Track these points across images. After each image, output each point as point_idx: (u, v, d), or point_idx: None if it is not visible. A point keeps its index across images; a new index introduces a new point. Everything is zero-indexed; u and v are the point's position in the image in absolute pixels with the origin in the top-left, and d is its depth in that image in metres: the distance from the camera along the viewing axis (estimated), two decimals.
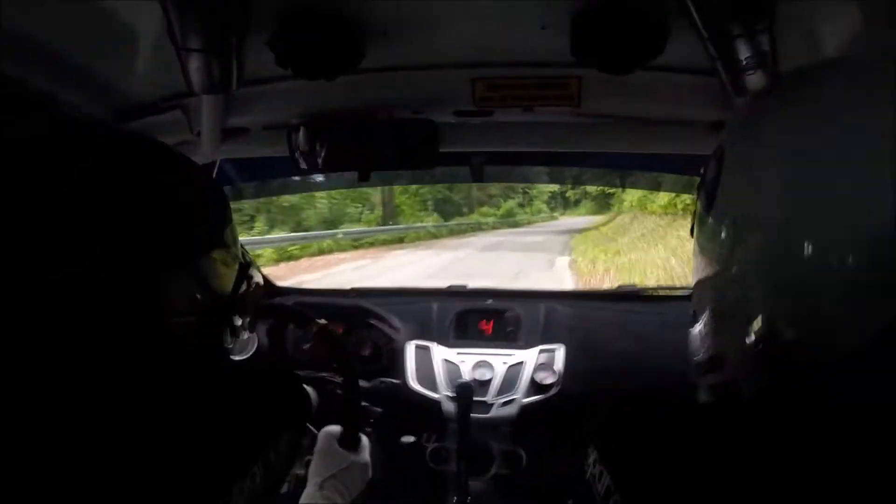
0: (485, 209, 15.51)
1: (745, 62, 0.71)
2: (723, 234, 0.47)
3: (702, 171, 0.54)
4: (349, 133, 1.04)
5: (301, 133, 1.03)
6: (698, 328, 0.53)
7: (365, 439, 0.85)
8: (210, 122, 1.00)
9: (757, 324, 0.43)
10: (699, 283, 0.53)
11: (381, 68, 0.92)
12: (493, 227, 14.09)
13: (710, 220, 0.49)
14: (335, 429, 0.84)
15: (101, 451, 0.39)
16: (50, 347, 0.40)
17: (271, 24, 0.75)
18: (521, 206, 16.55)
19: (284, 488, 0.58)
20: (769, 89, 0.50)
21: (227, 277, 0.53)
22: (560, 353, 1.32)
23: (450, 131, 1.06)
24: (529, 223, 15.35)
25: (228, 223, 0.53)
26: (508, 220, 15.06)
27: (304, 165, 1.05)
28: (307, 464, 0.82)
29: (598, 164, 1.41)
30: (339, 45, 0.78)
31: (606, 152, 1.25)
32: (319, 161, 1.04)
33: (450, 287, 1.68)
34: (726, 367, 0.48)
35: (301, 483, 0.79)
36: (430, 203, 13.49)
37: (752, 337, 0.44)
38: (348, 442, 0.82)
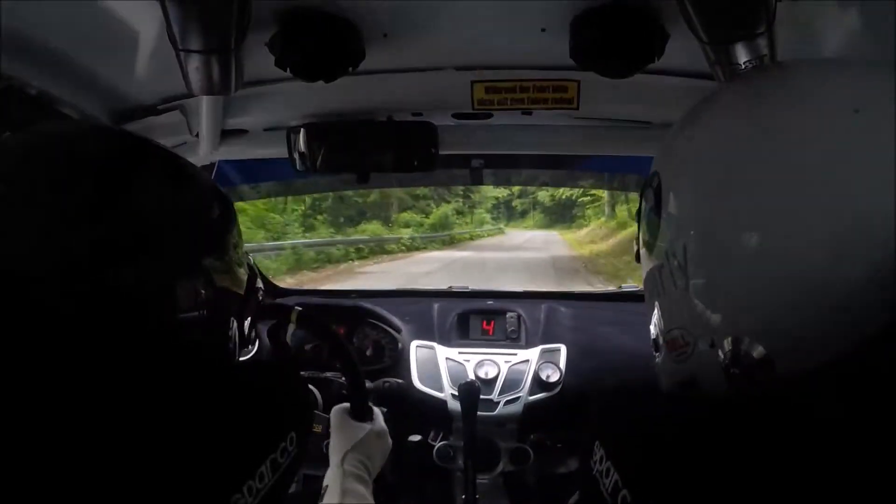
0: (407, 214, 10.81)
1: (744, 66, 0.71)
2: (672, 239, 0.46)
3: (649, 176, 0.53)
4: (348, 135, 1.04)
5: (300, 134, 1.03)
6: (653, 332, 0.53)
7: (377, 409, 0.84)
8: (209, 123, 1.00)
9: (718, 330, 0.43)
10: (650, 291, 0.52)
11: (381, 70, 0.92)
12: (416, 248, 8.88)
13: (661, 223, 0.49)
14: (345, 405, 0.83)
15: (110, 452, 0.40)
16: (52, 351, 0.40)
17: (271, 26, 0.75)
18: (460, 213, 12.56)
19: (293, 488, 0.58)
20: (710, 94, 0.50)
21: (232, 280, 0.53)
22: (562, 352, 1.33)
23: (448, 133, 1.06)
24: (473, 238, 11.15)
25: (233, 226, 0.53)
26: (442, 235, 10.47)
27: (303, 167, 1.05)
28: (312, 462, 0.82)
29: (595, 167, 1.42)
30: (338, 47, 0.78)
31: (604, 155, 1.25)
32: (318, 162, 1.04)
33: (450, 288, 1.69)
34: (696, 378, 0.47)
35: (308, 482, 0.79)
36: (323, 203, 8.96)
37: (712, 343, 0.43)
38: (360, 413, 0.81)
